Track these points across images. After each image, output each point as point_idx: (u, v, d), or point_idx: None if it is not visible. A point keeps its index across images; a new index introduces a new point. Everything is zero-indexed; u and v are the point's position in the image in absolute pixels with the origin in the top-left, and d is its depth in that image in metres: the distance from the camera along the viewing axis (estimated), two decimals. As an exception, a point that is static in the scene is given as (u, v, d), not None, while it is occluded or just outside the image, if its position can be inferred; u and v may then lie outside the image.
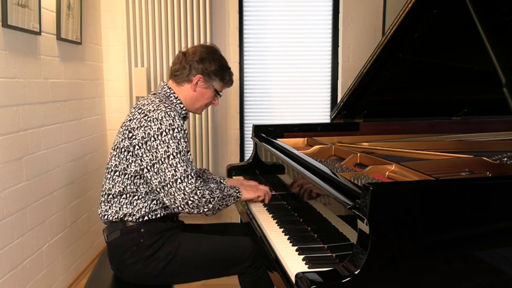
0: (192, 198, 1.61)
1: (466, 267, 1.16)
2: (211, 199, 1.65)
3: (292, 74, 3.44)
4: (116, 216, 1.70)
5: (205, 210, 1.66)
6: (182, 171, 1.61)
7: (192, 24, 3.15)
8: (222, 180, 2.10)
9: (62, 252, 2.59)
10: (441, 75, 2.29)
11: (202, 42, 3.15)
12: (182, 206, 1.62)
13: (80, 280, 2.81)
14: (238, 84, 3.36)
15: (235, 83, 3.29)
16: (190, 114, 3.20)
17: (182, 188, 1.60)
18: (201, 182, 1.65)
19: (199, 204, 1.62)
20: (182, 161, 1.62)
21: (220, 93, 1.89)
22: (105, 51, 3.28)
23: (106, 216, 1.73)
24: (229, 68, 1.88)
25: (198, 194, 1.62)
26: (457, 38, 1.99)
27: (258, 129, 2.47)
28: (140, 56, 3.18)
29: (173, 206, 1.64)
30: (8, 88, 2.03)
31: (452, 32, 1.97)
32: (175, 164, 1.61)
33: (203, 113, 3.21)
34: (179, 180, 1.60)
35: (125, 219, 1.69)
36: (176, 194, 1.61)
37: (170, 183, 1.61)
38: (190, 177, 1.62)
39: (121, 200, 1.71)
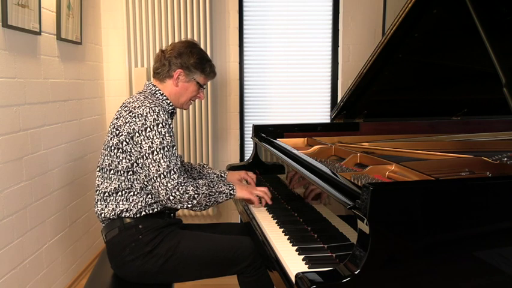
0: (173, 194, 1.64)
1: (466, 267, 1.16)
2: (195, 195, 1.67)
3: (292, 73, 3.44)
4: (113, 213, 1.72)
5: (189, 206, 1.68)
6: (165, 166, 1.64)
7: (192, 24, 3.15)
8: (222, 174, 2.12)
9: (62, 252, 2.59)
10: (441, 75, 2.29)
11: (202, 42, 3.15)
12: (165, 201, 1.66)
13: (80, 280, 2.81)
14: (238, 84, 3.37)
15: (235, 82, 3.34)
16: (190, 114, 3.21)
17: (165, 183, 1.63)
18: (184, 177, 1.67)
19: (182, 199, 1.65)
20: (166, 156, 1.65)
21: (204, 86, 1.90)
22: (105, 51, 3.28)
23: (103, 214, 1.75)
24: (210, 60, 1.90)
25: (180, 190, 1.64)
26: (457, 38, 1.99)
27: (258, 129, 2.47)
28: (140, 56, 3.18)
29: (158, 199, 1.70)
30: (8, 88, 2.03)
31: (452, 32, 1.97)
32: (158, 160, 1.64)
33: (203, 112, 3.21)
34: (162, 176, 1.64)
35: (123, 215, 1.71)
36: (160, 189, 1.64)
37: (154, 178, 1.64)
38: (172, 172, 1.65)
39: (117, 197, 1.73)
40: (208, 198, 1.72)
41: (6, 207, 2.01)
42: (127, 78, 3.21)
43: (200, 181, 1.72)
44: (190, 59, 1.82)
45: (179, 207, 1.69)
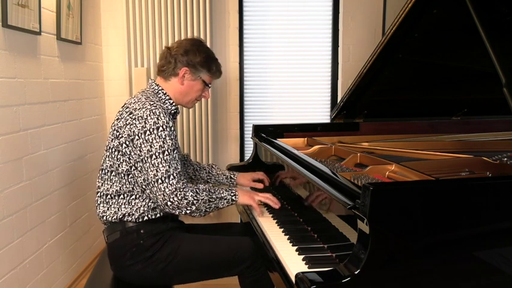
0: (171, 200, 1.59)
1: (466, 267, 1.16)
2: (195, 201, 1.62)
3: (292, 74, 3.44)
4: (115, 217, 1.70)
5: (188, 211, 1.64)
6: (164, 171, 1.59)
7: (192, 24, 3.15)
8: (232, 176, 2.11)
9: (62, 252, 2.59)
10: (441, 75, 2.29)
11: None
12: (163, 206, 1.62)
13: (80, 280, 2.81)
14: (238, 84, 3.37)
15: (235, 82, 3.34)
16: (190, 114, 3.21)
17: (162, 189, 1.59)
18: (184, 182, 1.62)
19: (180, 205, 1.61)
20: (165, 160, 1.60)
21: (209, 84, 1.86)
22: (105, 51, 3.28)
23: (104, 217, 1.73)
24: (216, 59, 1.86)
25: (178, 195, 1.59)
26: (457, 38, 1.99)
27: (258, 129, 2.47)
28: (140, 56, 3.18)
29: (157, 204, 1.67)
30: (8, 88, 2.03)
31: (452, 32, 1.97)
32: (157, 164, 1.60)
33: (203, 112, 3.21)
34: (160, 181, 1.59)
35: (125, 219, 1.69)
36: (157, 194, 1.60)
37: (152, 183, 1.60)
38: (171, 177, 1.60)
39: (119, 200, 1.70)
40: (208, 204, 1.67)
41: (6, 207, 2.01)
42: (127, 78, 3.21)
43: (201, 186, 1.68)
44: (196, 57, 1.78)
45: (177, 212, 1.65)
